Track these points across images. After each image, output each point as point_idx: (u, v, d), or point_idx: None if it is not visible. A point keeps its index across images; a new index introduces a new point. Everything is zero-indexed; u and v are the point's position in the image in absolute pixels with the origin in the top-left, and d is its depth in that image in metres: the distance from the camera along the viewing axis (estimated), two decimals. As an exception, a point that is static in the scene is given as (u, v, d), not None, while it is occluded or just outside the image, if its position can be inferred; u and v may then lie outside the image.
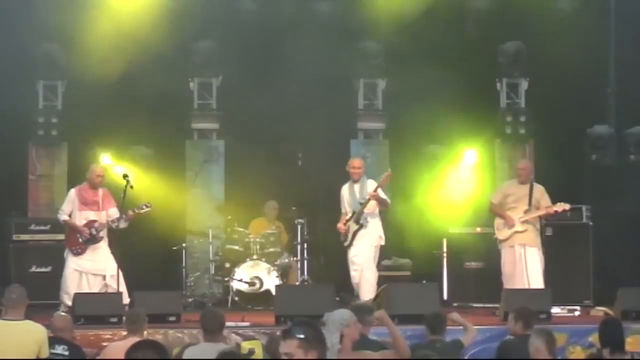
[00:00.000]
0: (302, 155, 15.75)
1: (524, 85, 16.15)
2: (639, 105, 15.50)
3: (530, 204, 13.60)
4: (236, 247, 14.69)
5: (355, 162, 13.70)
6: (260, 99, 15.41)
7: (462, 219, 15.30)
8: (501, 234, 13.67)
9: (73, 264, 13.08)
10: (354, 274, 13.34)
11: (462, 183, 15.86)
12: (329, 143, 15.64)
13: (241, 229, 14.83)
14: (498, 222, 13.75)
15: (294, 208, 15.36)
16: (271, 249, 14.70)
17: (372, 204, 13.37)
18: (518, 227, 13.53)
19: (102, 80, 14.67)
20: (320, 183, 15.53)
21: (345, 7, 15.72)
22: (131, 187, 13.15)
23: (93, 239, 13.08)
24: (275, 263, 14.51)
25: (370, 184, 13.50)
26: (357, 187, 13.55)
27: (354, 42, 15.93)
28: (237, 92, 15.79)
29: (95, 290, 12.94)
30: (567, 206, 13.51)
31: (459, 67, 15.35)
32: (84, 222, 13.12)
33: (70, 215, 13.21)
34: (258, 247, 14.61)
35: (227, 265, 14.63)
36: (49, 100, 15.72)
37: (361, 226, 13.39)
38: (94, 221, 13.12)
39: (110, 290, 12.84)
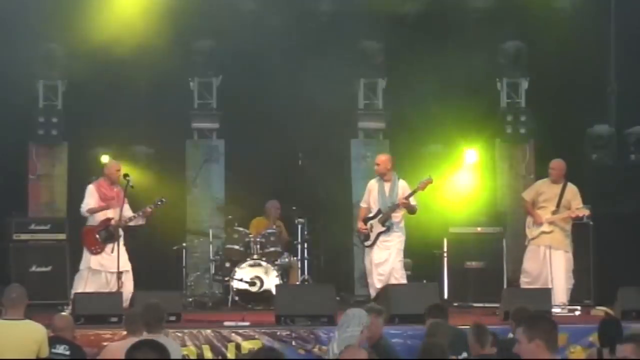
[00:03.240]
0: (302, 155, 15.73)
1: (524, 85, 16.15)
2: (639, 105, 15.50)
3: (559, 204, 13.63)
4: (236, 247, 14.68)
5: (377, 159, 13.61)
6: (260, 98, 15.41)
7: (462, 218, 15.30)
8: (530, 232, 13.74)
9: (93, 263, 13.10)
10: (380, 278, 13.25)
11: (462, 183, 15.86)
12: (329, 143, 15.64)
13: (241, 229, 14.81)
14: (529, 220, 13.80)
15: (294, 208, 15.35)
16: (271, 249, 14.68)
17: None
18: (544, 227, 13.58)
19: (102, 79, 14.72)
20: (320, 183, 15.52)
21: (345, 7, 15.70)
22: (131, 187, 13.19)
23: (111, 238, 13.11)
24: (276, 263, 14.51)
25: (402, 186, 13.42)
26: (387, 186, 13.45)
27: (354, 42, 15.92)
28: (237, 92, 15.78)
29: (113, 288, 12.96)
30: (586, 211, 13.57)
31: (459, 67, 15.34)
32: (103, 219, 13.16)
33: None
34: (258, 246, 14.60)
35: (228, 265, 14.62)
36: (49, 100, 15.71)
37: (387, 229, 13.32)
38: (110, 219, 13.16)
39: (124, 288, 12.88)
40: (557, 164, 13.89)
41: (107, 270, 13.09)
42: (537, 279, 13.61)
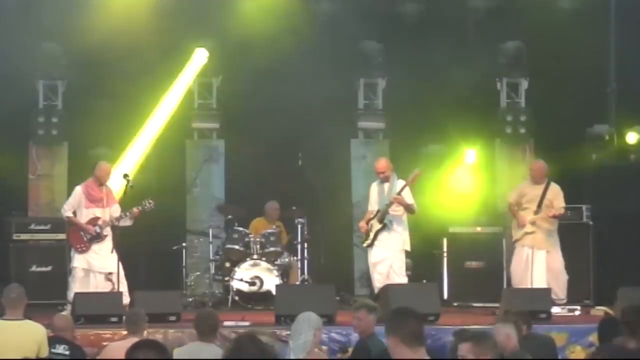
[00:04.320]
0: (302, 155, 15.74)
1: (524, 85, 16.16)
2: (639, 105, 15.50)
3: (540, 205, 13.65)
4: (236, 247, 14.68)
5: (379, 166, 13.50)
6: (260, 98, 15.41)
7: (462, 218, 15.30)
8: (516, 234, 13.79)
9: (81, 262, 13.10)
10: (378, 277, 13.25)
11: (462, 183, 15.87)
12: (329, 143, 15.64)
13: (241, 229, 14.82)
14: (514, 222, 13.86)
15: (294, 208, 15.35)
16: (271, 249, 14.68)
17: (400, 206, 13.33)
18: (527, 228, 13.61)
19: (102, 79, 14.74)
20: (320, 183, 15.52)
21: (345, 7, 15.71)
22: (131, 186, 13.19)
23: (97, 237, 13.10)
24: (276, 263, 14.51)
25: (400, 185, 13.40)
26: (386, 185, 13.40)
27: (354, 42, 15.92)
28: (237, 92, 15.78)
29: (102, 288, 12.95)
30: (561, 211, 13.61)
31: (459, 67, 15.35)
32: (90, 218, 13.15)
33: (74, 213, 13.24)
34: (258, 246, 14.60)
35: (227, 264, 14.63)
36: (49, 100, 15.71)
37: (384, 226, 13.25)
38: (98, 218, 13.14)
39: (119, 288, 12.87)
40: (536, 165, 13.96)
41: (95, 270, 13.07)
42: (520, 282, 13.65)
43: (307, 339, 8.39)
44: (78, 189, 13.34)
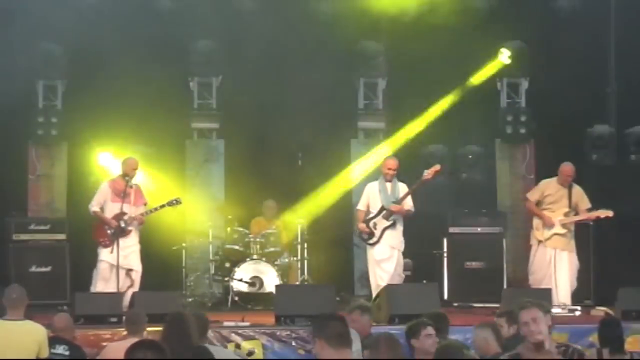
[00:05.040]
0: (302, 155, 15.74)
1: (524, 85, 16.16)
2: (639, 105, 15.49)
3: (570, 206, 13.64)
4: (236, 247, 14.69)
5: (391, 164, 13.56)
6: (260, 98, 15.41)
7: (462, 218, 15.29)
8: (541, 234, 13.71)
9: (106, 256, 13.18)
10: (383, 275, 13.26)
11: (462, 183, 15.86)
12: (329, 143, 15.64)
13: (241, 229, 14.83)
14: (537, 222, 13.79)
15: (294, 208, 15.34)
16: (271, 249, 14.69)
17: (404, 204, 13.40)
18: (558, 229, 13.58)
19: (101, 79, 14.75)
20: (320, 183, 15.52)
21: (345, 7, 15.70)
22: (131, 186, 13.22)
23: (121, 232, 13.17)
24: (276, 263, 14.52)
25: (402, 187, 13.47)
26: (389, 185, 13.50)
27: (354, 42, 15.92)
28: (237, 92, 15.78)
29: (122, 284, 13.02)
30: (610, 213, 13.55)
31: (459, 67, 15.36)
32: (116, 213, 13.23)
33: (101, 209, 13.33)
34: (258, 246, 14.60)
35: (227, 265, 14.63)
36: (49, 100, 15.71)
37: (393, 223, 13.35)
38: (124, 213, 13.22)
39: (134, 287, 12.96)
40: (569, 168, 13.81)
41: (120, 266, 13.15)
42: (541, 282, 13.66)
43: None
44: (104, 184, 13.52)
